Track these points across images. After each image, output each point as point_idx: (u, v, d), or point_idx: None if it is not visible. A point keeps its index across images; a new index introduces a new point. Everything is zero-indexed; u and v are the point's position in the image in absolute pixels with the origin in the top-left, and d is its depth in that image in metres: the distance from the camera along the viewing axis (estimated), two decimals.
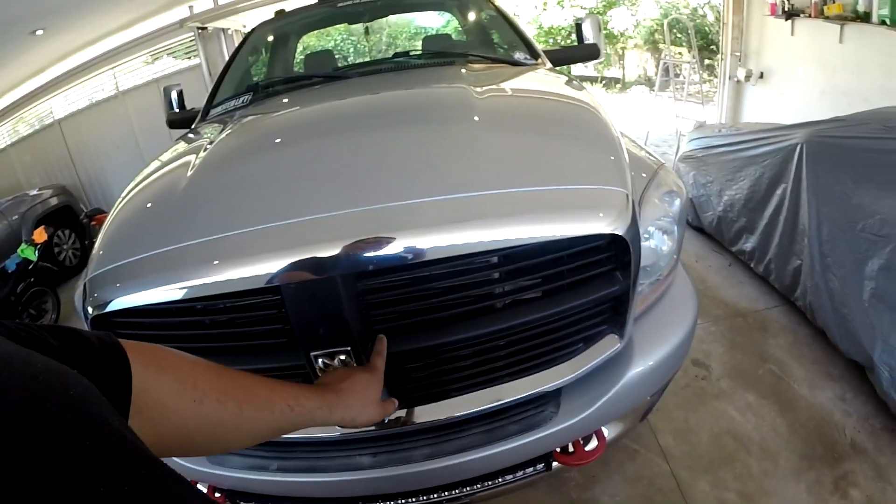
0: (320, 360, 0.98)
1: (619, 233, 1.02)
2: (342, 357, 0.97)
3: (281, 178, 1.29)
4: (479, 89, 1.58)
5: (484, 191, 1.05)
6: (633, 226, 1.06)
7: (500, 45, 2.58)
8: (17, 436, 0.28)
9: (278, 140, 1.64)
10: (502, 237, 0.97)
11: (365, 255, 0.94)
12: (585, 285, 1.08)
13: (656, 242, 1.26)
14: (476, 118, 1.40)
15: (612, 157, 1.21)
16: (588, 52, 2.44)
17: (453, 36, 3.13)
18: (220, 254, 1.03)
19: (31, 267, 3.91)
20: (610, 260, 1.09)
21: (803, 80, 5.25)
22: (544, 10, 11.30)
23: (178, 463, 1.27)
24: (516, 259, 1.02)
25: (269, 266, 0.96)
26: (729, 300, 2.91)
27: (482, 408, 1.11)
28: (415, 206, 1.02)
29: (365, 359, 1.00)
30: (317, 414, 0.76)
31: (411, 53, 2.48)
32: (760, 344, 2.52)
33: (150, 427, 0.52)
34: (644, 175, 1.33)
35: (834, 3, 4.61)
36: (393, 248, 0.93)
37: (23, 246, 3.90)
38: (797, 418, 2.05)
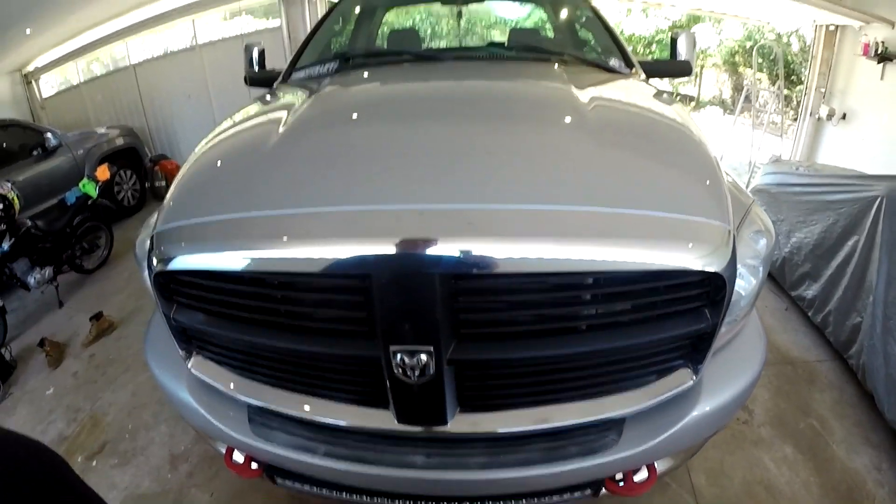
0: (399, 356, 0.95)
1: (718, 270, 0.98)
2: (423, 356, 0.94)
3: (373, 157, 1.22)
4: (583, 94, 1.51)
5: (587, 206, 1.01)
6: (732, 263, 1.01)
7: (594, 48, 2.50)
8: None
9: (372, 116, 1.56)
10: (604, 258, 0.93)
11: (467, 256, 0.90)
12: (674, 318, 1.04)
13: (743, 282, 1.21)
14: (582, 125, 1.34)
15: (716, 189, 1.16)
16: (680, 69, 2.36)
17: (548, 34, 3.04)
18: (298, 230, 0.98)
19: (89, 202, 4.00)
20: (702, 296, 1.04)
21: (887, 127, 4.99)
22: (627, 16, 10.97)
23: (221, 428, 1.24)
24: (612, 283, 0.99)
25: (359, 250, 0.92)
26: (781, 346, 2.81)
27: (548, 425, 1.09)
28: (522, 212, 0.99)
29: (444, 362, 0.96)
30: None
31: (507, 45, 2.41)
32: (805, 396, 2.44)
33: None
34: (735, 209, 1.27)
35: None
36: (498, 253, 0.90)
37: (84, 181, 3.96)
38: (830, 479, 1.99)
